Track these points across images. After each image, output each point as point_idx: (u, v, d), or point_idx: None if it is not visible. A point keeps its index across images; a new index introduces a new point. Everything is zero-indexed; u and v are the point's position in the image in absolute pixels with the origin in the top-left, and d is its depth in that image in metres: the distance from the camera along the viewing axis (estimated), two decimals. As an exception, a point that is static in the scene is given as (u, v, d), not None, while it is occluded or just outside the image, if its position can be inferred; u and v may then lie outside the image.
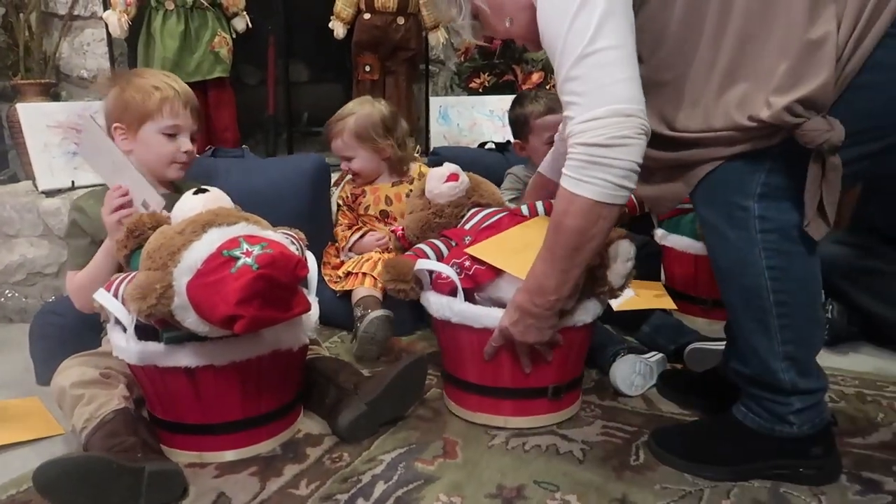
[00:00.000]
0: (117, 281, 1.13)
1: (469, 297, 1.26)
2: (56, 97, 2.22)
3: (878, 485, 1.08)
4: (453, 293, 1.26)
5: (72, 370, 1.21)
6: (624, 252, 1.24)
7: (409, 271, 1.31)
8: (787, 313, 1.01)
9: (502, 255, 1.23)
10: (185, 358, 1.08)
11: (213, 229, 1.03)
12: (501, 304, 1.21)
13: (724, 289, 1.07)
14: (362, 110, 1.85)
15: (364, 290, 1.71)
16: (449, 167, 1.48)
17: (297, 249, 1.21)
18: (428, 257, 1.36)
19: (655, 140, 1.02)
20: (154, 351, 1.09)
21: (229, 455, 1.16)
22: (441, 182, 1.46)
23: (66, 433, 1.27)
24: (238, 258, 0.97)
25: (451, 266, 1.28)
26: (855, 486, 1.08)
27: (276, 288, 0.99)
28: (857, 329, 1.72)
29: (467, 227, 1.42)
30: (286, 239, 1.15)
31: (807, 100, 0.88)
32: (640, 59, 1.03)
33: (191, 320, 1.01)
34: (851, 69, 0.89)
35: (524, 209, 1.44)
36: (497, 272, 1.21)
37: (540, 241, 1.11)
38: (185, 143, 1.40)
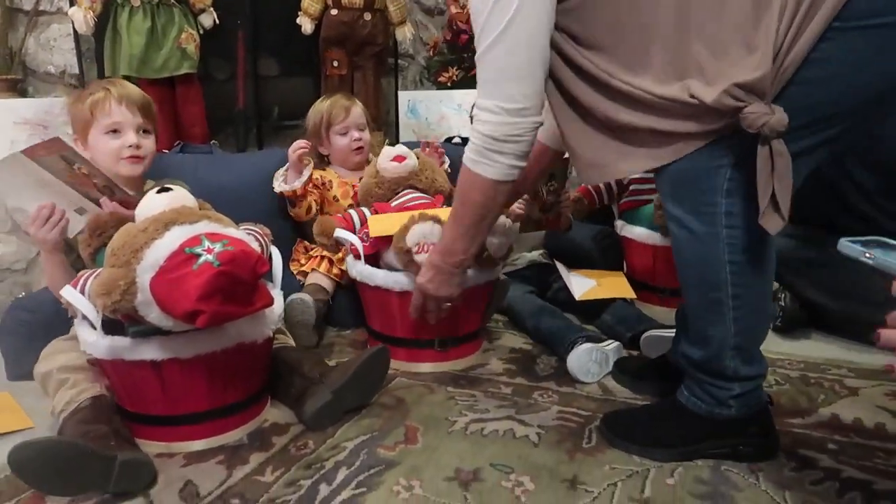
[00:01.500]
0: (83, 277, 1.16)
1: (376, 264, 1.55)
2: (23, 93, 2.21)
3: (812, 461, 1.15)
4: (368, 257, 1.56)
5: (60, 355, 1.24)
6: (500, 227, 1.44)
7: (332, 230, 1.60)
8: (742, 305, 1.06)
9: (384, 225, 1.50)
10: (150, 351, 1.11)
11: (176, 227, 1.06)
12: (393, 269, 1.50)
13: (684, 279, 1.12)
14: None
15: (315, 275, 1.79)
16: (399, 149, 1.71)
17: (261, 246, 1.25)
18: (353, 222, 1.65)
19: (614, 95, 1.05)
20: (120, 345, 1.12)
21: (197, 445, 1.20)
22: (388, 160, 1.69)
23: (37, 427, 1.30)
24: (200, 255, 1.01)
25: (361, 234, 1.59)
26: (791, 464, 1.14)
27: (236, 284, 1.03)
28: (807, 316, 1.79)
29: (393, 203, 1.67)
30: (249, 236, 1.19)
31: (745, 84, 0.91)
32: (585, 45, 1.08)
33: (154, 315, 1.04)
34: (789, 64, 0.92)
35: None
36: (386, 242, 1.48)
37: None
38: (128, 138, 1.44)
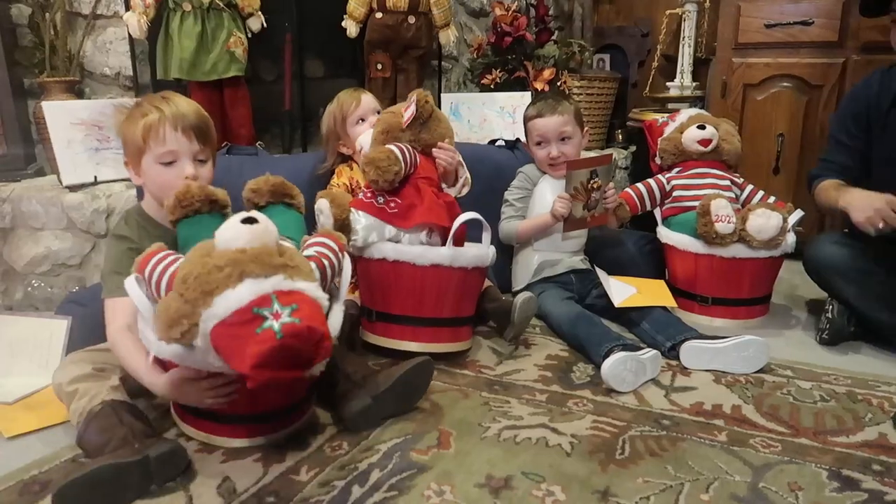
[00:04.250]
0: (153, 264, 1.10)
1: None
2: (80, 94, 2.29)
3: (856, 483, 1.12)
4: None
5: (68, 368, 1.28)
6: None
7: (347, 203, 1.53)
8: None
9: None
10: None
11: (249, 280, 1.00)
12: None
13: None
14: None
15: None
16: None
17: (332, 269, 1.19)
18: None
19: None
20: (180, 352, 1.09)
21: (236, 442, 1.22)
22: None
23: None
24: (266, 318, 0.96)
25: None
26: (833, 483, 1.11)
27: (295, 356, 0.99)
28: (857, 329, 1.74)
29: None
30: (320, 278, 1.13)
31: None
32: None
33: (210, 357, 1.04)
34: None
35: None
36: None
37: None
38: (183, 169, 1.29)
